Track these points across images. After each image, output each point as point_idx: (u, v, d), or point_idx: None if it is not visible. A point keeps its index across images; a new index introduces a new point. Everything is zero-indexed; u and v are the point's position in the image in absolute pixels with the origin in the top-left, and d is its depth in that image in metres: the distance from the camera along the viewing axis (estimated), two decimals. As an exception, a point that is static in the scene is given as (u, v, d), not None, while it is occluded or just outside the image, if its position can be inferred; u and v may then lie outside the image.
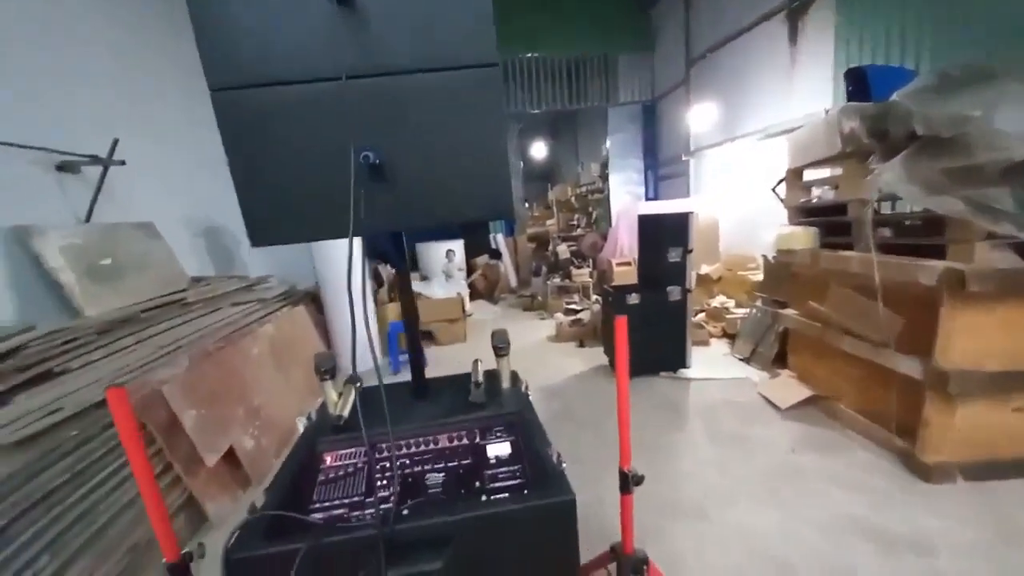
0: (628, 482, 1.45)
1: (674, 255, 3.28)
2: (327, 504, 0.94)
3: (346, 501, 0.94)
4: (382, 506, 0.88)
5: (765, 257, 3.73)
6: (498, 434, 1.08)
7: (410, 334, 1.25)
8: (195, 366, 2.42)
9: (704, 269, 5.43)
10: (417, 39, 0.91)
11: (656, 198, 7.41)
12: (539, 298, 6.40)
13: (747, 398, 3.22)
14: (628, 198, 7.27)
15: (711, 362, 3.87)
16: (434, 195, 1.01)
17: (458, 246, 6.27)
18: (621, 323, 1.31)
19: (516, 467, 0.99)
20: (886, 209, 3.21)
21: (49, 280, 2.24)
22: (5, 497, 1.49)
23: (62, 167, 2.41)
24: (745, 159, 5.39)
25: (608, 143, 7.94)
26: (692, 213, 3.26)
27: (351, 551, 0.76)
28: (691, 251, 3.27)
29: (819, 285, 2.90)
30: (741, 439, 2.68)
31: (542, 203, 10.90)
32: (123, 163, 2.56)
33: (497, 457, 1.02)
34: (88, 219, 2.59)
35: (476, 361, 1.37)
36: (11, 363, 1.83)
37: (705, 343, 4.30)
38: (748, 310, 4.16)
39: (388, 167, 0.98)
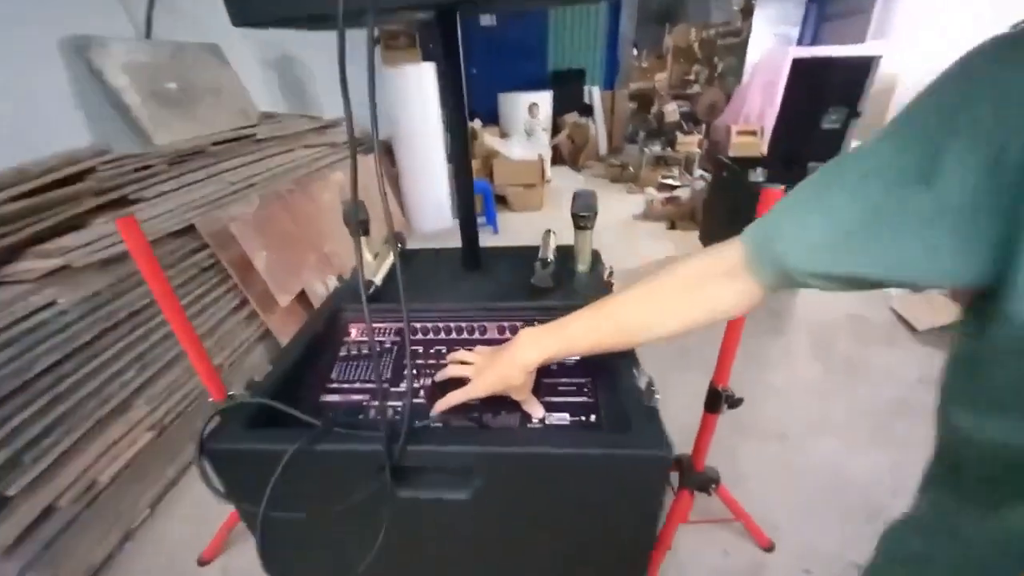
0: (719, 401, 1.17)
1: (833, 119, 2.45)
2: (345, 386, 0.75)
3: (369, 386, 0.74)
4: (398, 405, 0.67)
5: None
6: (566, 333, 0.79)
7: (462, 189, 0.92)
8: (265, 207, 2.37)
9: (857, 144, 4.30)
10: None
11: (816, 43, 5.73)
12: (631, 168, 5.64)
13: (875, 314, 2.64)
14: (774, 43, 5.68)
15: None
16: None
17: (545, 100, 5.48)
18: (772, 196, 0.88)
19: (584, 380, 0.71)
20: None
21: (115, 101, 2.15)
22: (91, 313, 1.58)
23: (107, -36, 2.14)
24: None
25: (759, -35, 5.94)
26: (878, 58, 2.31)
27: (354, 464, 0.57)
28: (859, 115, 2.42)
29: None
30: (855, 361, 2.24)
31: (654, 52, 9.04)
32: (170, -38, 2.22)
33: (560, 364, 0.75)
34: (148, 34, 2.39)
35: (548, 233, 1.04)
36: (87, 185, 1.82)
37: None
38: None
39: None
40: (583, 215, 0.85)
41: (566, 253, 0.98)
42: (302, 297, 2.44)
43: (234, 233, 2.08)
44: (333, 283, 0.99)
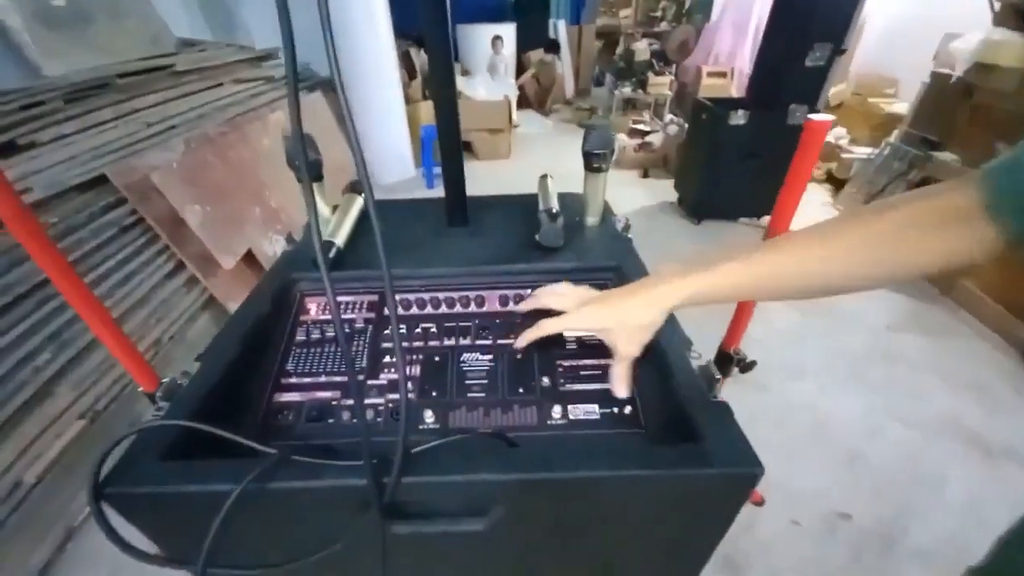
0: (729, 364, 1.09)
1: (817, 56, 2.31)
2: (307, 380, 0.59)
3: (338, 379, 0.59)
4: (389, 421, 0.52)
5: (939, 74, 2.67)
6: (582, 302, 0.65)
7: (446, 133, 0.73)
8: (194, 152, 2.02)
9: (823, 89, 4.22)
10: None
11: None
12: (599, 113, 5.39)
13: (843, 258, 2.67)
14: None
15: (803, 211, 3.17)
16: None
17: (509, 33, 5.03)
18: (817, 129, 0.74)
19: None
20: None
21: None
22: (-21, 286, 1.29)
23: None
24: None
25: None
26: (867, -12, 2.16)
27: (326, 502, 0.42)
28: (844, 52, 2.30)
29: (1016, 124, 2.04)
30: (827, 307, 2.25)
31: (619, -15, 8.48)
32: None
33: (579, 340, 0.61)
34: (14, -71, 1.88)
35: (545, 178, 0.87)
36: (-45, 126, 1.45)
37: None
38: (873, 150, 3.25)
39: None
40: (597, 153, 0.69)
41: (568, 204, 0.82)
42: (250, 258, 2.17)
43: (156, 184, 1.76)
44: (281, 244, 0.79)
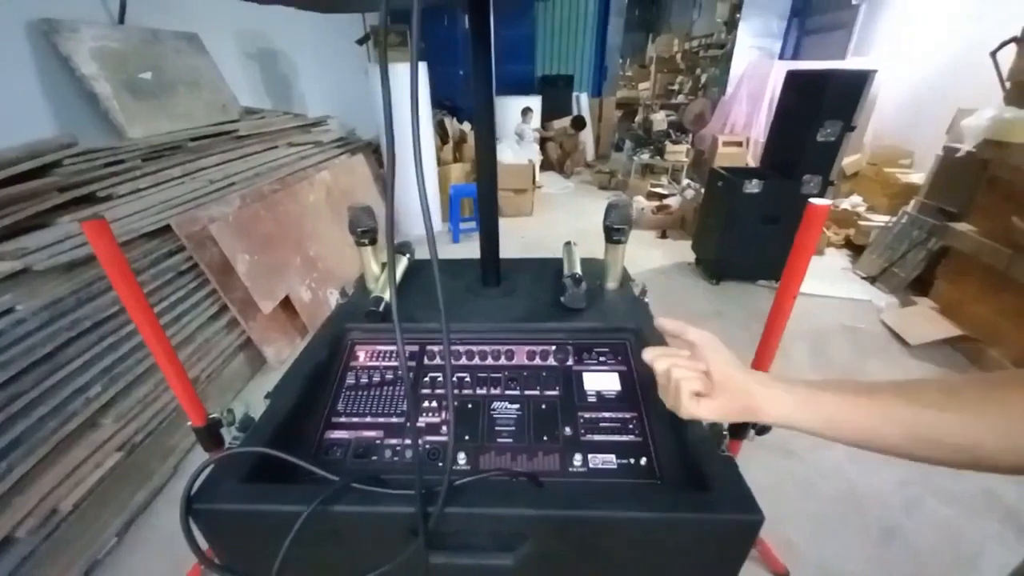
0: (746, 427, 1.11)
1: (828, 131, 2.45)
2: (355, 420, 0.66)
3: (381, 420, 0.65)
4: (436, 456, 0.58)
5: (952, 148, 2.77)
6: (602, 359, 0.72)
7: (485, 197, 0.84)
8: (248, 207, 2.23)
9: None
10: None
11: (796, 58, 5.82)
12: (619, 176, 5.64)
13: (865, 325, 2.66)
14: (757, 56, 5.76)
15: (824, 276, 3.23)
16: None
17: (535, 104, 5.43)
18: (817, 213, 0.82)
19: (631, 416, 0.64)
20: None
21: (83, 91, 1.99)
22: (52, 321, 1.43)
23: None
24: (953, 8, 3.85)
25: (746, -21, 6.04)
26: (873, 72, 2.33)
27: (377, 526, 0.48)
28: (854, 128, 2.43)
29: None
30: (853, 373, 2.23)
31: (637, 61, 9.17)
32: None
33: (599, 394, 0.68)
34: (121, 20, 2.23)
35: (569, 245, 0.97)
36: (51, 180, 1.66)
37: (819, 252, 3.58)
38: (891, 219, 3.31)
39: None
40: (618, 227, 0.78)
41: (590, 269, 0.90)
42: (286, 303, 2.30)
43: (213, 234, 1.94)
44: (335, 297, 0.89)
